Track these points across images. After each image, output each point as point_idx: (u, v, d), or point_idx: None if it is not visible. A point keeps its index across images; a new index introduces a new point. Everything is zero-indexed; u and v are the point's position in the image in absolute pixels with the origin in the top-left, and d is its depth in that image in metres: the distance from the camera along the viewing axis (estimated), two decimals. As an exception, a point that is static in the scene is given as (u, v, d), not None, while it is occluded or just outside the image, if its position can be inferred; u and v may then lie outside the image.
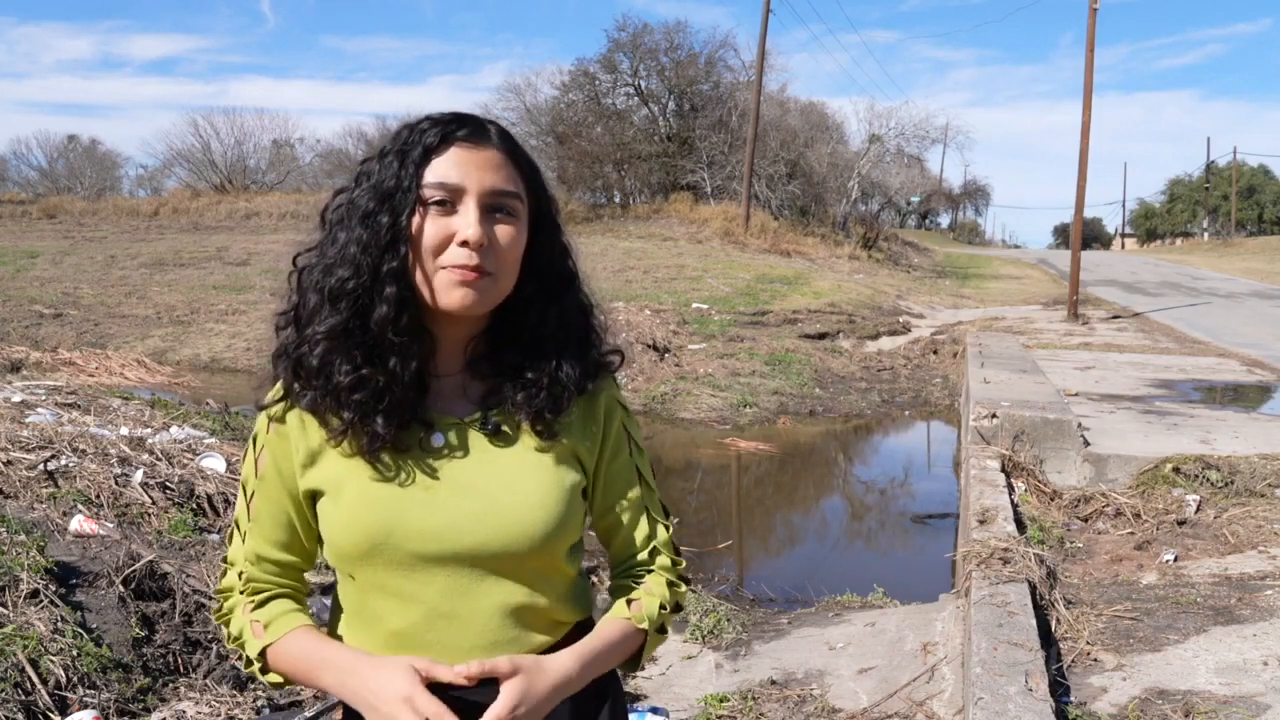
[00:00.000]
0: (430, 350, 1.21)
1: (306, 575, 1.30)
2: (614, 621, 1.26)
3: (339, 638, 1.25)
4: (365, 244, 1.13)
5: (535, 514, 1.19)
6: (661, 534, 1.33)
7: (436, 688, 1.14)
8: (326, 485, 1.19)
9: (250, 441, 1.25)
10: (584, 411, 1.26)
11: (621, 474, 1.30)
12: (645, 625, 1.27)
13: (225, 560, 1.29)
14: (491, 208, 1.15)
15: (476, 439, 1.21)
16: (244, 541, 1.25)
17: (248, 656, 1.22)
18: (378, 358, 1.15)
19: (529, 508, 1.19)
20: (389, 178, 1.14)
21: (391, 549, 1.16)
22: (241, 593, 1.25)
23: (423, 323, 1.18)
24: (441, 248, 1.14)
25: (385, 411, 1.15)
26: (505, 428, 1.22)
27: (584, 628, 1.30)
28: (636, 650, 1.29)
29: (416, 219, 1.14)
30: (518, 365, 1.22)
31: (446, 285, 1.14)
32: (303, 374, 1.17)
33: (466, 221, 1.13)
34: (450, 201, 1.14)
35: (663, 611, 1.28)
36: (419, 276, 1.15)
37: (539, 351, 1.23)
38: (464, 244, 1.13)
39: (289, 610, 1.24)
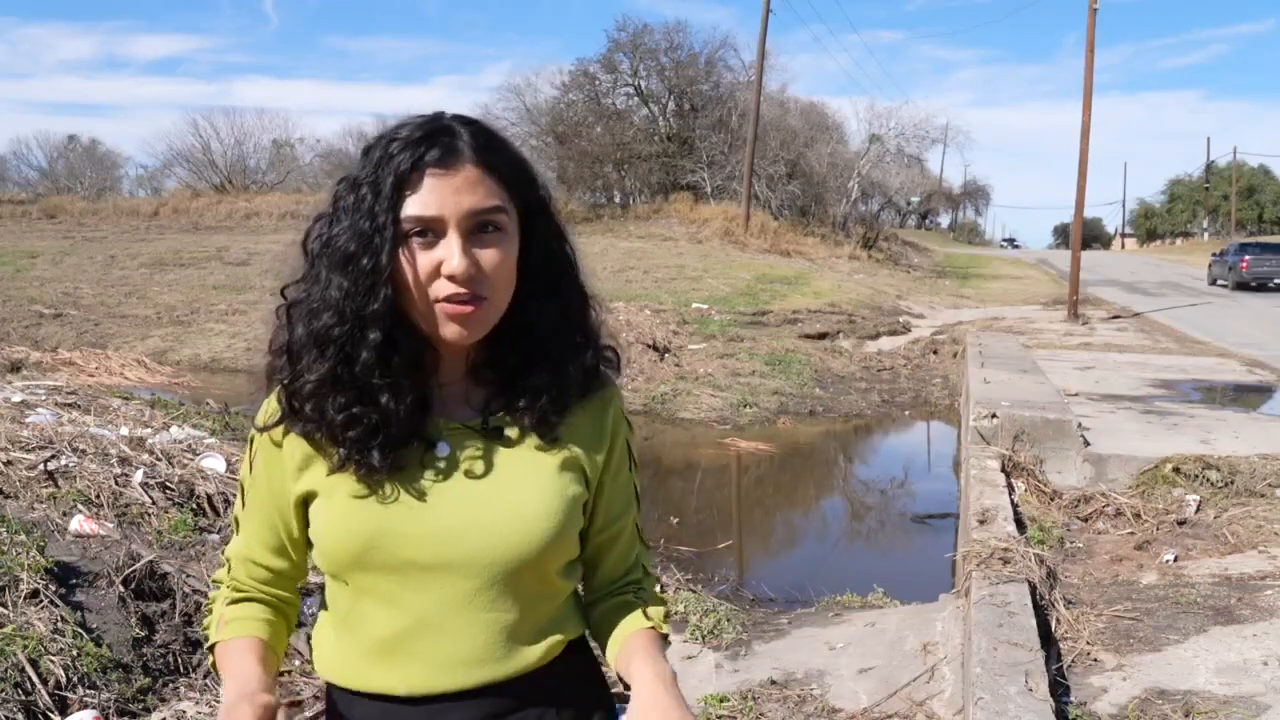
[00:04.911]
0: (434, 364, 1.18)
1: (298, 584, 1.28)
2: (642, 632, 1.23)
3: (322, 640, 1.24)
4: (347, 290, 1.09)
5: (533, 524, 1.15)
6: (645, 553, 1.34)
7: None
8: (320, 487, 1.16)
9: (249, 440, 1.24)
10: (594, 420, 1.23)
11: (622, 492, 1.28)
12: (666, 630, 1.26)
13: (224, 554, 1.30)
14: (476, 228, 1.10)
15: (478, 445, 1.17)
16: (238, 537, 1.26)
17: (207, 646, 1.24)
18: (368, 397, 1.12)
19: (527, 518, 1.15)
20: (364, 216, 1.09)
21: (383, 553, 1.13)
22: (227, 587, 1.26)
23: (423, 343, 1.15)
24: (430, 281, 1.09)
25: (381, 446, 1.13)
26: (507, 432, 1.18)
27: (579, 646, 1.28)
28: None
29: (400, 255, 1.09)
30: (519, 368, 1.19)
31: (442, 320, 1.11)
32: (296, 408, 1.15)
33: (450, 253, 1.08)
34: (432, 232, 1.09)
35: (664, 617, 1.29)
36: (413, 311, 1.11)
37: (541, 352, 1.19)
38: (451, 277, 1.09)
39: (253, 617, 1.23)
